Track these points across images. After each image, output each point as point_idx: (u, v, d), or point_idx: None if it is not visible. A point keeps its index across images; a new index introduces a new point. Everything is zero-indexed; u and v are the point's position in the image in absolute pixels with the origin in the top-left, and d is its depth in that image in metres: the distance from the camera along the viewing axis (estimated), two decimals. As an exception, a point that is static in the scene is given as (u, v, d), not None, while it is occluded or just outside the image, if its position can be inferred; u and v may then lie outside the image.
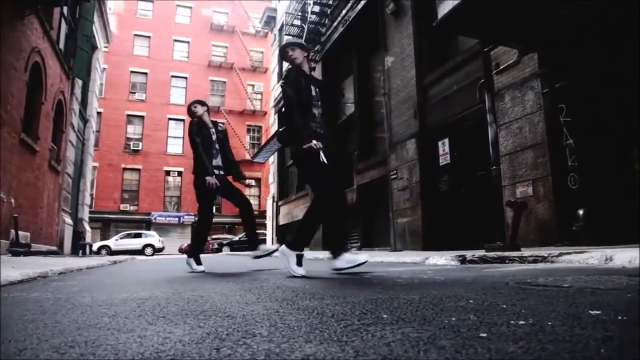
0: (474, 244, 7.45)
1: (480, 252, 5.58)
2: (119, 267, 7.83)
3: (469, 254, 5.52)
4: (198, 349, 1.11)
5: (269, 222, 24.12)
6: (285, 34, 18.83)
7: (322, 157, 3.67)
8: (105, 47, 22.33)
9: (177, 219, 35.99)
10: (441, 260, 5.63)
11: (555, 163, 6.92)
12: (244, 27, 39.73)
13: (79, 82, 15.90)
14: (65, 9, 13.13)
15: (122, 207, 34.77)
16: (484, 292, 1.96)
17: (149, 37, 37.39)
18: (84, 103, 17.97)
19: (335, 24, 14.96)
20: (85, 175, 18.71)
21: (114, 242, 27.76)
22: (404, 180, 10.79)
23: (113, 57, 33.95)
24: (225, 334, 1.28)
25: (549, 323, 1.17)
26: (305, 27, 16.03)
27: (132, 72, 36.45)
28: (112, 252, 25.48)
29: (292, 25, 17.54)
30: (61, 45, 13.34)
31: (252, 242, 5.24)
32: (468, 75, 8.95)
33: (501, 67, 8.04)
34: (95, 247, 24.70)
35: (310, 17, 16.06)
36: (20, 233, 10.16)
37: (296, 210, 19.70)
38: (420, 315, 1.42)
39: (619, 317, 1.20)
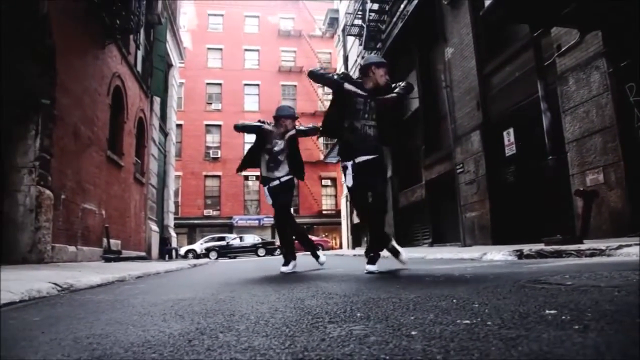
0: (545, 236, 7.14)
1: (540, 246, 5.39)
2: (194, 271, 8.40)
3: (527, 248, 5.35)
4: (175, 340, 1.32)
5: (343, 221, 24.39)
6: (347, 34, 18.96)
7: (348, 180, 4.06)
8: (181, 63, 23.84)
9: (257, 221, 37.36)
10: (498, 255, 5.50)
11: (627, 147, 6.47)
12: (310, 30, 40.37)
13: (157, 100, 17.12)
14: (140, 33, 14.22)
15: (206, 212, 36.75)
16: (480, 291, 2.00)
17: (221, 49, 39.20)
18: (163, 118, 19.30)
19: (395, 19, 14.86)
20: (169, 184, 20.07)
21: (199, 246, 29.38)
22: (471, 174, 10.53)
23: (189, 71, 36.01)
24: (210, 330, 1.48)
25: (489, 322, 1.24)
26: (365, 26, 16.06)
27: (207, 84, 38.41)
28: (198, 256, 27.02)
29: (352, 25, 17.63)
30: (139, 67, 14.48)
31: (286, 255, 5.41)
32: (529, 61, 8.54)
33: (563, 49, 7.62)
34: (182, 251, 26.38)
35: (369, 16, 16.07)
36: (112, 241, 11.21)
37: (368, 208, 19.74)
38: (388, 314, 1.53)
39: (563, 317, 1.23)
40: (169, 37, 18.28)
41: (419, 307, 1.65)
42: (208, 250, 26.21)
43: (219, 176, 37.68)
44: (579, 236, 5.91)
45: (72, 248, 8.96)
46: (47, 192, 7.85)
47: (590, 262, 3.51)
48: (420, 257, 7.45)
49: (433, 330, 1.19)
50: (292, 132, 5.37)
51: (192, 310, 2.13)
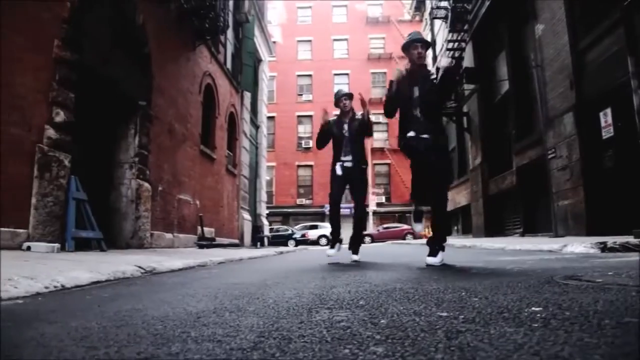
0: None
1: (628, 238, 4.96)
2: (276, 258, 8.78)
3: (612, 240, 4.95)
4: (188, 316, 1.54)
5: (433, 209, 23.84)
6: (432, 18, 18.42)
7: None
8: (272, 57, 24.65)
9: (349, 210, 37.57)
10: (580, 247, 5.15)
11: None
12: (399, 15, 39.57)
13: (247, 94, 17.95)
14: (227, 33, 14.99)
15: (299, 201, 37.91)
16: (500, 285, 1.97)
17: (310, 41, 39.91)
18: (254, 111, 20.19)
19: (481, -2, 14.14)
20: (261, 175, 21.02)
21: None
22: (563, 159, 9.80)
23: (280, 65, 37.13)
24: (224, 309, 1.67)
25: (461, 317, 1.26)
26: (449, 7, 15.48)
27: (298, 75, 39.37)
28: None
29: (438, 7, 17.07)
30: (228, 64, 15.30)
31: (353, 244, 5.53)
32: (629, 32, 7.74)
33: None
34: (275, 238, 27.56)
35: (454, -4, 15.45)
36: (206, 229, 12.08)
37: (458, 197, 19.17)
38: (385, 303, 1.61)
39: (539, 315, 1.22)
40: (257, 33, 19.03)
41: (422, 298, 1.69)
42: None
43: (311, 166, 38.56)
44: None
45: (169, 235, 9.84)
46: (146, 184, 8.69)
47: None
48: (501, 247, 7.18)
49: (400, 320, 1.25)
50: (360, 117, 5.52)
51: (231, 293, 2.33)
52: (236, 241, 15.26)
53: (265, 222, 20.91)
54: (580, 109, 9.26)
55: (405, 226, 32.57)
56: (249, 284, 2.84)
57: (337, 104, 5.63)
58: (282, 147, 38.09)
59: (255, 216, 19.58)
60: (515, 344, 0.93)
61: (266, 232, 20.44)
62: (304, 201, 38.05)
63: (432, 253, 3.98)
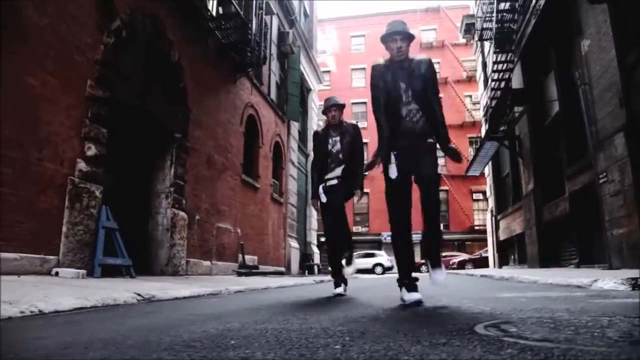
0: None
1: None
2: (307, 288, 8.58)
3: (645, 274, 4.48)
4: (78, 345, 1.57)
5: (489, 237, 22.83)
6: (479, 39, 18.07)
7: (392, 172, 3.50)
8: (327, 85, 25.03)
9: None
10: (610, 283, 4.72)
11: None
12: (454, 39, 39.07)
13: (294, 124, 18.28)
14: (273, 64, 15.46)
15: (355, 229, 37.59)
16: (399, 331, 1.83)
17: (364, 68, 40.21)
18: (303, 140, 20.46)
19: (527, 16, 13.68)
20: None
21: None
22: (615, 183, 9.08)
23: (334, 93, 37.54)
24: (127, 343, 1.66)
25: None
26: (493, 27, 15.11)
27: (353, 103, 39.61)
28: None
29: (483, 29, 16.72)
30: (273, 95, 15.70)
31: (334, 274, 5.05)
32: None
33: None
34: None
35: (498, 16, 15.09)
36: (247, 257, 12.25)
37: (514, 224, 18.22)
38: (268, 344, 1.53)
39: None
40: (305, 63, 19.48)
41: (298, 341, 1.62)
42: None
43: (367, 193, 38.30)
44: None
45: (206, 262, 10.07)
46: (181, 213, 8.99)
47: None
48: (534, 281, 6.71)
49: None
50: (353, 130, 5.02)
51: (171, 324, 2.34)
52: (281, 269, 15.32)
53: (315, 250, 20.86)
54: (632, 129, 8.60)
55: (464, 255, 31.39)
56: (209, 315, 2.84)
57: (325, 113, 5.05)
58: (338, 174, 38.15)
59: (305, 244, 19.61)
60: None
61: (316, 260, 20.33)
62: (360, 229, 37.78)
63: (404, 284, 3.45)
